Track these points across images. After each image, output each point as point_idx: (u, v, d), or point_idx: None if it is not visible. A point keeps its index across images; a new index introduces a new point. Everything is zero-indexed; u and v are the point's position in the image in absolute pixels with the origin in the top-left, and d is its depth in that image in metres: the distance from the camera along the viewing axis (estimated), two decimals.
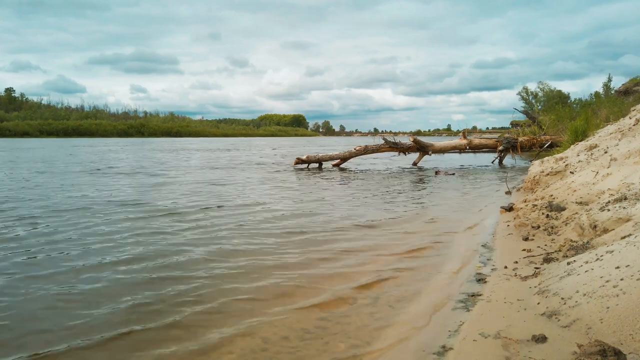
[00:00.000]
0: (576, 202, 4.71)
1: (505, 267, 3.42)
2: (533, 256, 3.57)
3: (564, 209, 4.72)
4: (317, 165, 15.02)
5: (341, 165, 15.20)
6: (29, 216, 5.92)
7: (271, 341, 2.48)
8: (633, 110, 8.90)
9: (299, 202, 7.44)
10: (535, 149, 15.08)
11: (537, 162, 8.33)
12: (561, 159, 7.52)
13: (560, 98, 29.93)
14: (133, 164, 16.49)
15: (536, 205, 5.16)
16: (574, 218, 4.25)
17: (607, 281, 2.26)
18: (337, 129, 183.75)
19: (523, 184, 8.20)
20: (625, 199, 3.71)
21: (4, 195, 7.85)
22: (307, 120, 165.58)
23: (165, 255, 4.11)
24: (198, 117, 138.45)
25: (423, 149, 15.38)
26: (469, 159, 18.92)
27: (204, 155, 23.42)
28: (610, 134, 7.41)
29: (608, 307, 2.08)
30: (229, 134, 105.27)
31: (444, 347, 2.26)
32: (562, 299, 2.37)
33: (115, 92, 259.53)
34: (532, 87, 38.01)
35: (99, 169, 13.99)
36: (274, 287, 3.33)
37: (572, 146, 8.33)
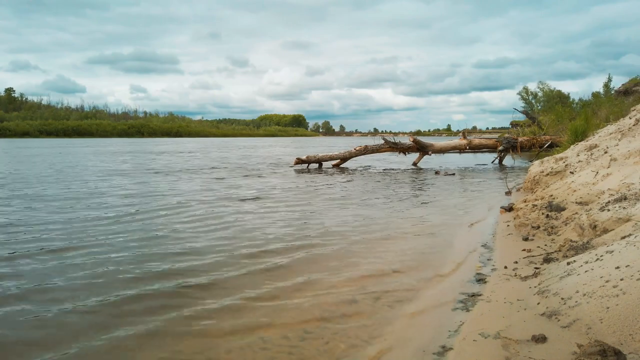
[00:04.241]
0: (576, 202, 4.71)
1: (505, 267, 3.42)
2: (533, 256, 3.57)
3: (564, 209, 4.72)
4: (317, 165, 15.02)
5: (341, 165, 15.21)
6: None
7: (271, 341, 2.48)
8: (633, 110, 8.90)
9: (298, 204, 7.44)
10: (535, 149, 15.07)
11: (537, 162, 8.33)
12: (561, 159, 7.52)
13: (560, 98, 29.91)
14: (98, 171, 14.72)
15: (536, 205, 5.15)
16: (574, 218, 4.25)
17: (607, 281, 2.26)
18: (337, 129, 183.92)
19: (523, 184, 8.20)
20: (625, 199, 3.71)
21: None
22: (307, 121, 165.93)
23: (164, 259, 4.12)
24: (198, 117, 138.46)
25: (423, 149, 15.38)
26: (469, 159, 18.92)
27: (201, 157, 23.40)
28: (610, 134, 7.41)
29: (608, 307, 2.07)
30: (228, 134, 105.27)
31: (444, 347, 2.26)
32: (562, 299, 2.37)
33: (115, 92, 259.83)
34: (533, 87, 37.98)
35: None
36: (273, 288, 3.32)
37: (572, 146, 8.33)
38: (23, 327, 2.67)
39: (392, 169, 14.47)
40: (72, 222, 5.52)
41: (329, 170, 14.12)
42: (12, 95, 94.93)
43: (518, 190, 8.06)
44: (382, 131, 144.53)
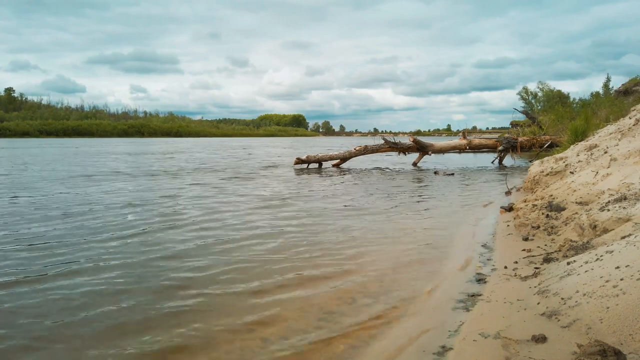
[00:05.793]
0: (576, 202, 4.71)
1: (505, 267, 3.42)
2: (533, 256, 3.58)
3: (563, 209, 4.72)
4: (317, 165, 15.02)
5: (341, 165, 15.21)
6: None
7: (270, 341, 2.48)
8: (633, 110, 8.90)
9: (298, 207, 7.44)
10: (535, 149, 15.08)
11: (537, 162, 8.33)
12: (561, 159, 7.52)
13: (560, 98, 29.91)
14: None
15: (536, 205, 5.15)
16: (574, 218, 4.25)
17: (607, 281, 2.26)
18: (337, 129, 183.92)
19: (523, 184, 8.20)
20: (625, 199, 3.72)
21: None
22: (307, 121, 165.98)
23: (166, 248, 4.12)
24: (198, 117, 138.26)
25: (423, 149, 15.39)
26: (468, 159, 18.92)
27: (199, 158, 23.38)
28: (610, 134, 7.41)
29: (608, 307, 2.07)
30: (228, 134, 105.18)
31: (444, 347, 2.26)
32: (562, 299, 2.37)
33: (115, 92, 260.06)
34: (532, 87, 38.01)
35: None
36: (272, 289, 3.32)
37: (572, 146, 8.33)
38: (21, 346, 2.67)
39: (392, 169, 14.46)
40: (63, 236, 5.46)
41: (329, 170, 14.12)
42: (12, 95, 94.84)
43: (518, 190, 8.07)
44: (382, 131, 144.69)
